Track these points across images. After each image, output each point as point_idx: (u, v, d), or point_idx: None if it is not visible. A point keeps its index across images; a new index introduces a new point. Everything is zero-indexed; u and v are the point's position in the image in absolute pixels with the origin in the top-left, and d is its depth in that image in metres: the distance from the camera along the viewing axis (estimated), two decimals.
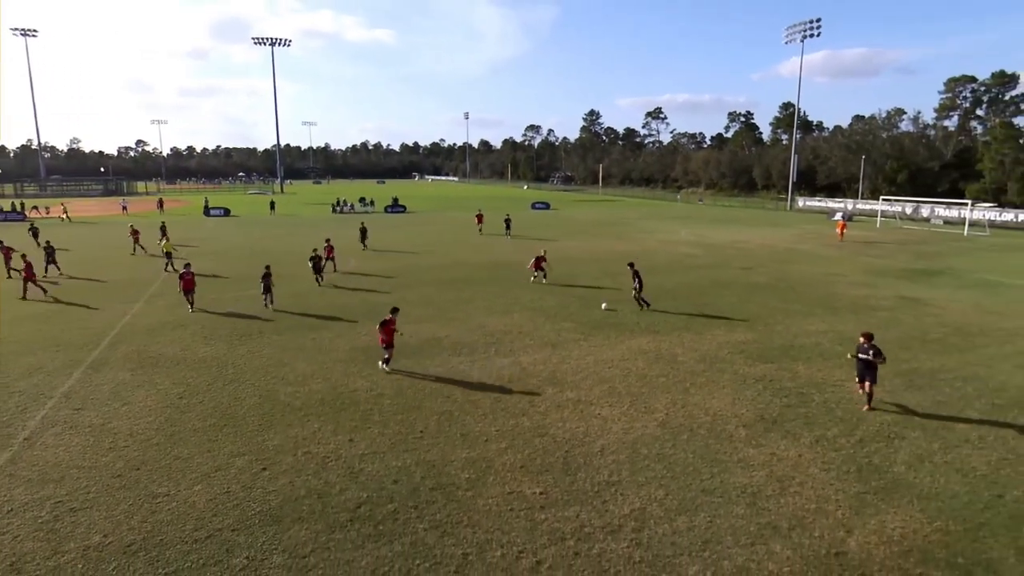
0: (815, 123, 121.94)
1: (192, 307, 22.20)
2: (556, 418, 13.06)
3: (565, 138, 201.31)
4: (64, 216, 60.81)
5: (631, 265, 23.60)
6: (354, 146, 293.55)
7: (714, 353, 17.25)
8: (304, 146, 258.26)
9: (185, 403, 13.86)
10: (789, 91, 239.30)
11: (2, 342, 18.50)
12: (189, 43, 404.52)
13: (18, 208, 66.25)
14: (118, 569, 8.38)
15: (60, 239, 40.07)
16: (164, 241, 33.19)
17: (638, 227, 53.73)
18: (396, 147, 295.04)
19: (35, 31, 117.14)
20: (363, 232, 39.28)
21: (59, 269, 29.91)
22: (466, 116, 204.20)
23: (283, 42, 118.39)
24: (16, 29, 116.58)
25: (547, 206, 78.15)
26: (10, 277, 28.78)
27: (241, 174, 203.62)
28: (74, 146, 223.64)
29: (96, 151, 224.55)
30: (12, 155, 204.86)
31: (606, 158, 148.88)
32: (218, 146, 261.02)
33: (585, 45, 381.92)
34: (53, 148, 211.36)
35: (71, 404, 13.83)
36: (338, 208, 72.60)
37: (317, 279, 26.98)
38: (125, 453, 11.53)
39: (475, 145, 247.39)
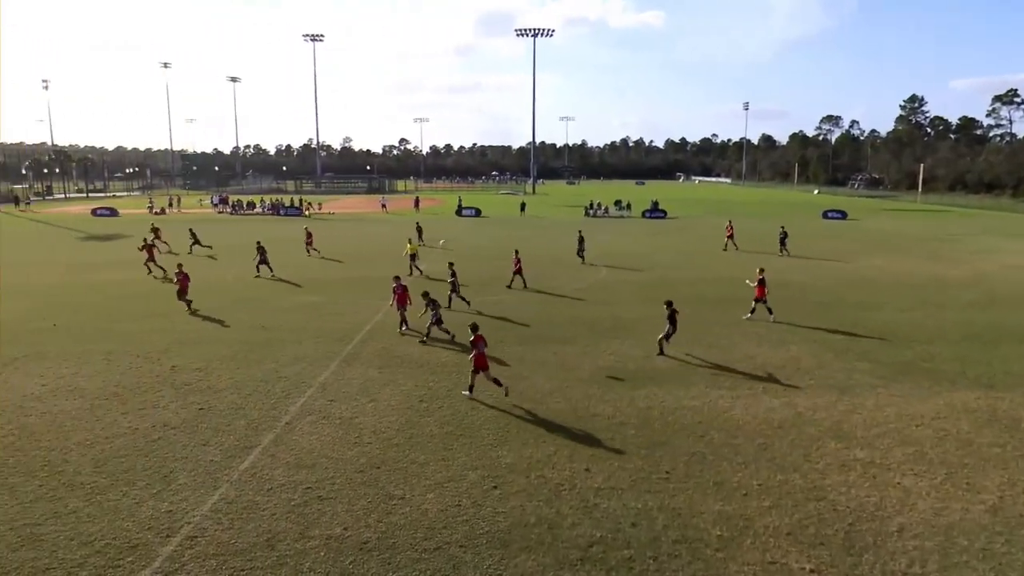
0: None
1: (403, 325, 21.75)
2: (839, 480, 11.88)
3: (873, 131, 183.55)
4: (314, 211, 71.88)
5: (669, 304, 19.15)
6: (612, 143, 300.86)
7: None
8: (559, 143, 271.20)
9: (425, 407, 15.37)
10: None
11: (278, 328, 22.35)
12: (455, 40, 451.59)
13: (296, 204, 79.54)
14: (354, 564, 9.56)
15: (323, 235, 47.29)
16: (412, 244, 34.65)
17: (968, 245, 46.75)
18: (660, 144, 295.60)
19: (321, 36, 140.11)
20: (580, 241, 37.64)
21: (271, 270, 32.50)
22: (745, 107, 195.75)
23: (546, 32, 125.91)
24: (307, 35, 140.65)
25: (843, 215, 71.87)
26: (149, 272, 32.62)
27: (495, 173, 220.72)
28: (346, 145, 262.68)
29: (364, 150, 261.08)
30: (296, 154, 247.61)
31: (929, 156, 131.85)
32: (474, 144, 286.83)
33: (911, 14, 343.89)
34: (328, 147, 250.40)
35: (326, 395, 16.17)
36: (591, 211, 74.86)
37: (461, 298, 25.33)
38: (368, 450, 13.15)
39: (754, 141, 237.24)
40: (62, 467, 12.37)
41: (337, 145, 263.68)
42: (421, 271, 33.02)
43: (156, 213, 76.90)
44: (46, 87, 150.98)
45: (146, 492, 11.41)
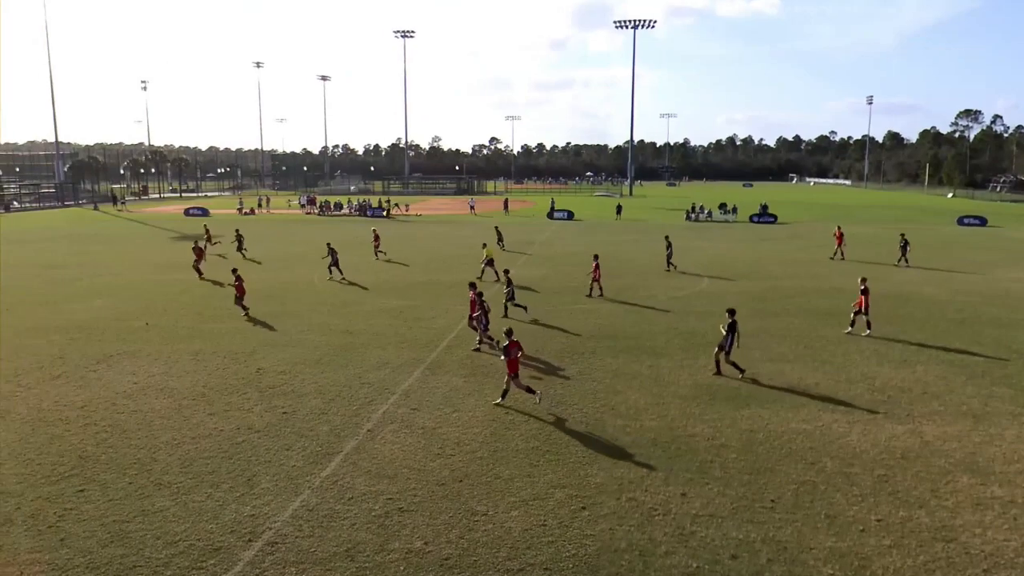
0: None
1: (482, 341, 21.35)
2: (972, 520, 11.18)
3: (1020, 127, 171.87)
4: (399, 213, 73.60)
5: (731, 313, 18.58)
6: (717, 141, 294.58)
7: None
8: (659, 142, 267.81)
9: (511, 419, 15.48)
10: None
11: (361, 333, 23.07)
12: (549, 33, 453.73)
13: (383, 205, 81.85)
14: None
15: (404, 236, 48.45)
16: (489, 248, 34.60)
17: None
18: (770, 142, 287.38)
19: (412, 32, 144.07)
20: (668, 247, 36.80)
21: (342, 274, 33.74)
22: (869, 101, 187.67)
23: (647, 24, 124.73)
24: (397, 31, 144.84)
25: (982, 222, 67.66)
26: (202, 277, 33.91)
27: (589, 173, 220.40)
28: (435, 144, 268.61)
29: (453, 149, 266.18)
30: (384, 153, 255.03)
31: None
32: (568, 143, 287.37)
33: None
34: (417, 146, 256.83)
35: (409, 403, 16.55)
36: (693, 215, 73.52)
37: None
38: (451, 462, 13.36)
39: (878, 138, 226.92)
40: (150, 465, 13.17)
41: (426, 144, 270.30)
42: (497, 276, 32.06)
43: (245, 213, 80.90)
44: (144, 87, 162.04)
45: (230, 495, 12.00)
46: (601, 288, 29.40)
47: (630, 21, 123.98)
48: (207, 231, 43.89)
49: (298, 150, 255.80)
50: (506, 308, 25.12)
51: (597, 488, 12.29)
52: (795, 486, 12.34)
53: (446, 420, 15.46)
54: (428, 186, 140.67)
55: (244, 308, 25.77)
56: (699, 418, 15.48)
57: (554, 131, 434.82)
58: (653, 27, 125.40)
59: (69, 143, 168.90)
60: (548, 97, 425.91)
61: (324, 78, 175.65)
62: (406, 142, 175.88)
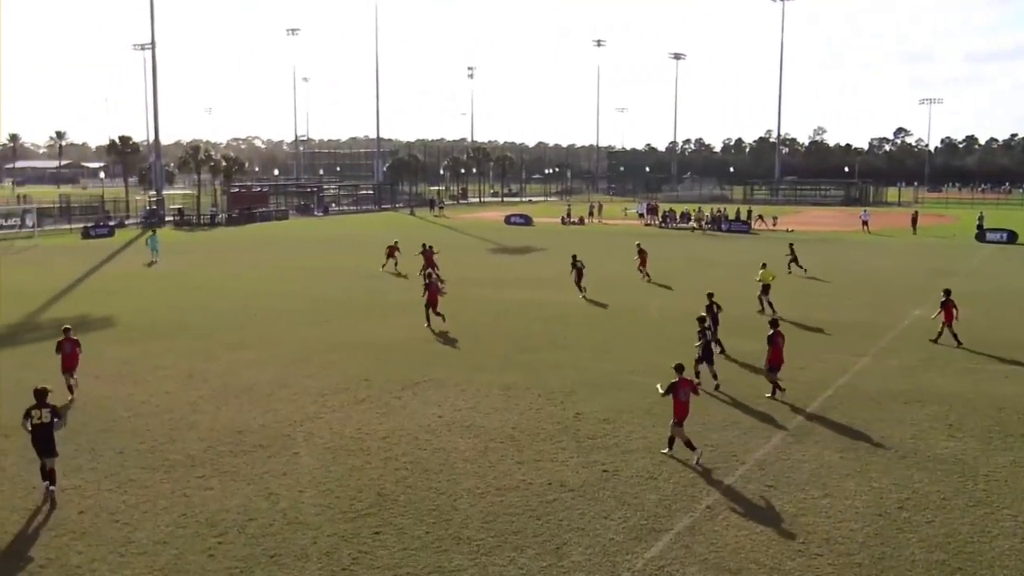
0: None
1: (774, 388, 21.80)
2: None
3: None
4: (765, 226, 72.09)
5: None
6: None
7: None
8: None
9: (906, 518, 14.32)
10: None
11: (704, 379, 22.97)
12: None
13: (743, 217, 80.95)
14: None
15: (770, 255, 46.94)
16: (767, 271, 33.70)
17: None
18: None
19: None
20: None
21: (582, 291, 36.56)
22: None
23: None
24: None
25: None
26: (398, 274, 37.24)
27: None
28: (816, 138, 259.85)
29: (840, 144, 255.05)
30: (747, 150, 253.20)
31: None
32: (1012, 136, 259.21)
33: None
34: (792, 141, 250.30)
35: (763, 477, 16.11)
36: None
37: None
38: (816, 563, 12.70)
39: None
40: (450, 515, 14.40)
41: (804, 138, 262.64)
42: (772, 308, 32.05)
43: (573, 223, 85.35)
44: (471, 74, 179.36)
45: (535, 563, 12.67)
46: (955, 336, 26.79)
47: None
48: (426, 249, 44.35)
49: (639, 146, 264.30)
50: (717, 345, 24.72)
51: None
52: None
53: (813, 507, 14.79)
54: (804, 193, 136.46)
55: (433, 314, 29.80)
56: None
57: (990, 119, 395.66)
58: None
59: (390, 139, 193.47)
60: (984, 72, 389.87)
61: (677, 56, 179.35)
62: (778, 136, 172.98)
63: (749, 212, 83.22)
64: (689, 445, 16.78)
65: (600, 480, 15.95)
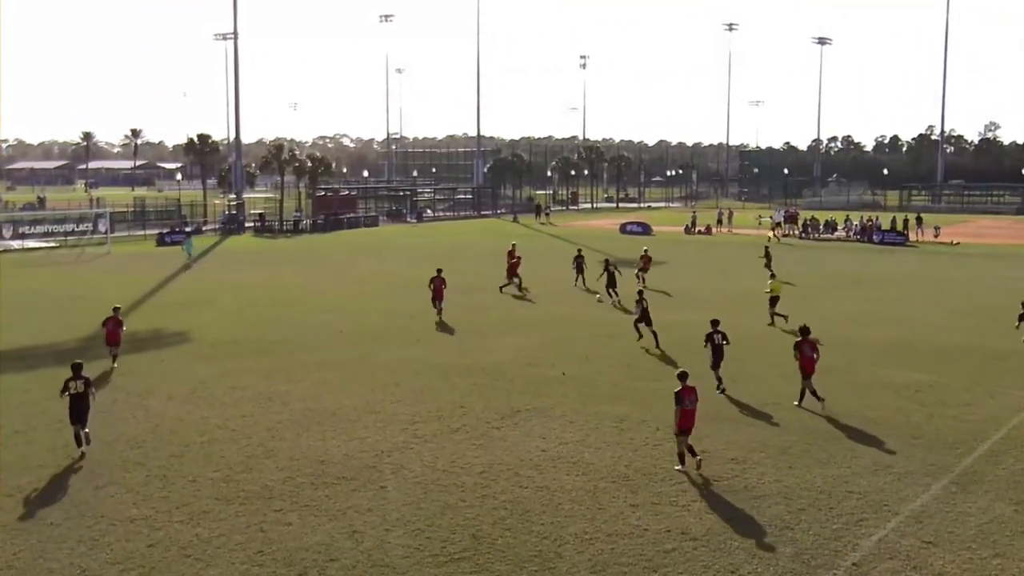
0: None
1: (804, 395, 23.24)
2: None
3: None
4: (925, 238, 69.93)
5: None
6: None
7: None
8: None
9: None
10: None
11: (850, 415, 22.46)
12: None
13: (899, 228, 78.38)
14: None
15: (926, 276, 45.41)
16: (776, 282, 35.16)
17: None
18: None
19: None
20: None
21: (613, 297, 39.63)
22: None
23: None
24: None
25: None
26: (520, 288, 40.27)
27: None
28: (988, 135, 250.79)
29: (1018, 143, 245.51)
30: (904, 149, 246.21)
31: None
32: None
33: None
34: (959, 138, 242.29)
35: (921, 532, 15.62)
36: None
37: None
38: None
39: None
40: (554, 562, 14.41)
41: (973, 136, 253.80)
42: (784, 318, 34.00)
43: (699, 232, 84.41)
44: (583, 64, 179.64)
45: None
46: None
47: None
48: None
49: (776, 145, 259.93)
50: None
51: None
52: None
53: (982, 568, 14.32)
54: (973, 199, 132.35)
55: (513, 282, 36.49)
56: None
57: None
58: None
59: (491, 137, 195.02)
60: None
61: (822, 41, 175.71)
62: (941, 132, 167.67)
63: (906, 221, 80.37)
64: (690, 451, 18.44)
65: (727, 528, 15.72)
